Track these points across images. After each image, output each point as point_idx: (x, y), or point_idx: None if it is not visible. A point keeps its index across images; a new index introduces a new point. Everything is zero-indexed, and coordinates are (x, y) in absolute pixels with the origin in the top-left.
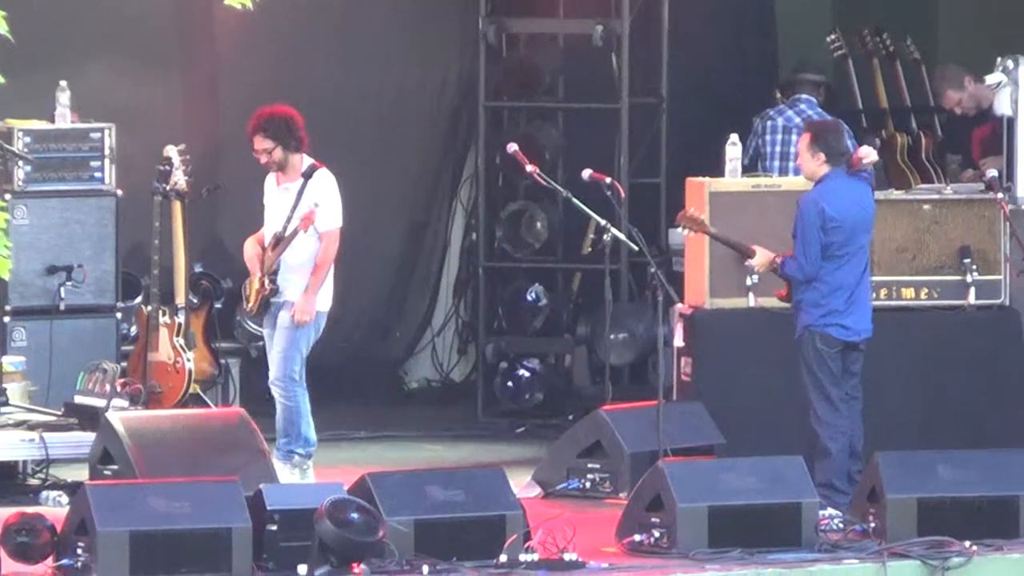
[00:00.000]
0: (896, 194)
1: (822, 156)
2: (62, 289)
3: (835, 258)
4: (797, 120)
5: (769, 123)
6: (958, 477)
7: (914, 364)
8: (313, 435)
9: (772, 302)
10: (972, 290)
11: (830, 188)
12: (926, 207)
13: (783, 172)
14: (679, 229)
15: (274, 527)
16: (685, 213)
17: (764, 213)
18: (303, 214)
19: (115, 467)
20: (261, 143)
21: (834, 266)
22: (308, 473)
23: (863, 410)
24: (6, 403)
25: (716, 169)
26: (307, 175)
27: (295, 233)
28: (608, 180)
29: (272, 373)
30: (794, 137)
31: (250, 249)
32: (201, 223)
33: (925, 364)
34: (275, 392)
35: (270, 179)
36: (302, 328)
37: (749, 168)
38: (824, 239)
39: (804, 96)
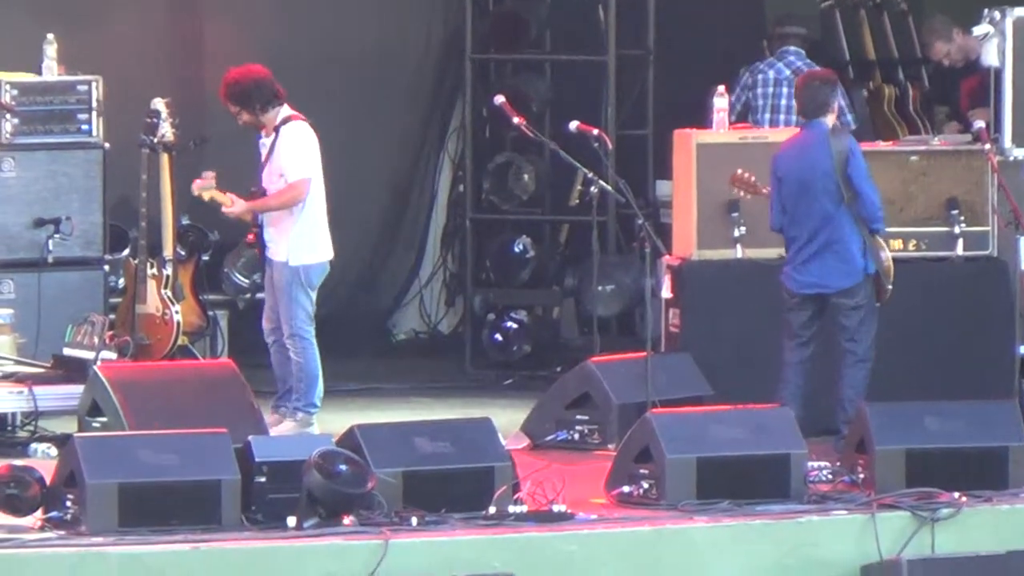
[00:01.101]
0: (884, 146)
1: (796, 107)
2: (50, 242)
3: (789, 212)
4: (787, 72)
5: (760, 76)
6: (946, 428)
7: (902, 315)
8: (316, 397)
9: (759, 253)
10: (960, 241)
11: (788, 143)
12: (914, 159)
13: (774, 124)
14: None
15: (263, 479)
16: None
17: (751, 165)
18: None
19: (104, 419)
20: (230, 108)
21: (788, 219)
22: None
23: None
24: None
25: (703, 121)
26: (277, 129)
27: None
28: (595, 132)
29: (284, 332)
30: (785, 89)
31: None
32: (188, 175)
33: (913, 315)
34: (280, 346)
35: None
36: (292, 284)
37: (739, 121)
38: (779, 191)
39: (792, 48)
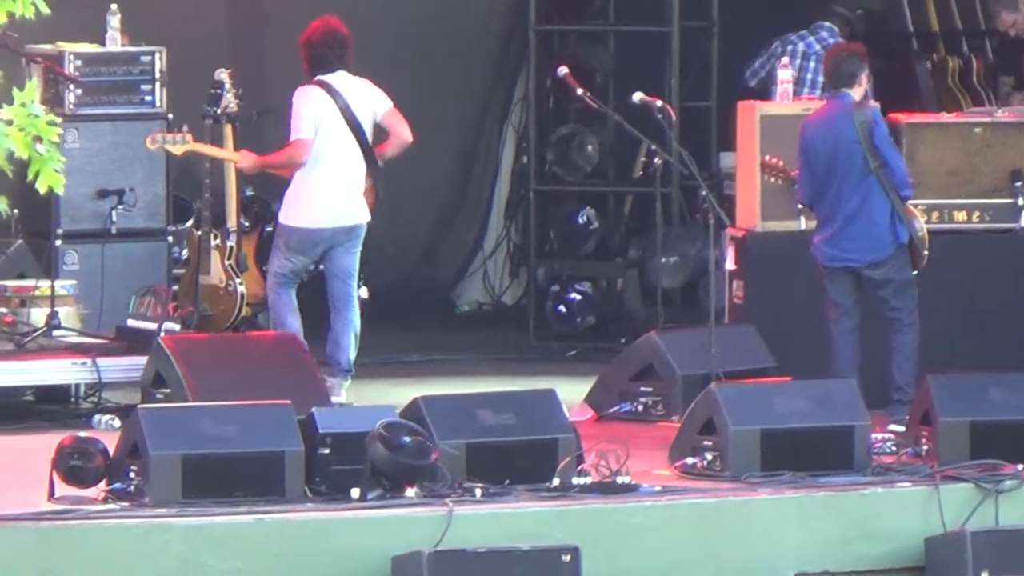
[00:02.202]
0: (947, 117)
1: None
2: (113, 213)
3: (816, 184)
4: (817, 47)
5: (790, 47)
6: (1011, 400)
7: (966, 287)
8: (342, 356)
9: None
10: None
11: (814, 115)
12: (977, 130)
13: (796, 96)
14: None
15: (326, 450)
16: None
17: None
18: None
19: (167, 390)
20: None
21: (817, 192)
22: (331, 390)
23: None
24: (58, 327)
25: (766, 92)
26: None
27: None
28: (659, 103)
29: None
30: (812, 64)
31: None
32: (252, 146)
33: (977, 287)
34: None
35: None
36: (275, 238)
37: (761, 90)
38: (806, 164)
39: (827, 24)
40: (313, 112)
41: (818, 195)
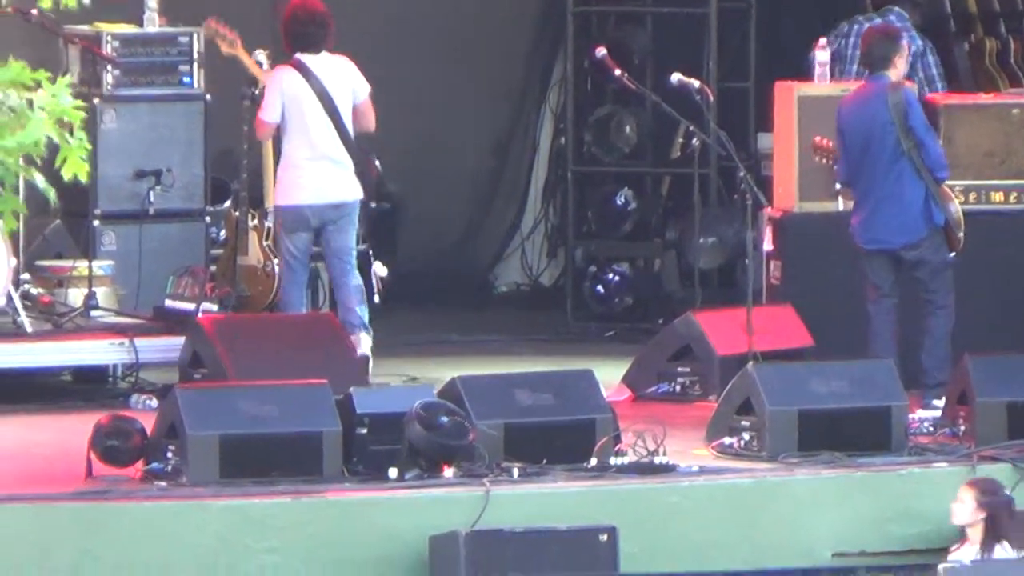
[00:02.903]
0: (985, 98)
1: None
2: (151, 193)
3: (853, 165)
4: None
5: (855, 27)
6: None
7: (1003, 268)
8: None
9: None
10: None
11: (850, 96)
12: (1015, 111)
13: (859, 76)
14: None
15: (364, 430)
16: (816, 141)
17: None
18: None
19: (205, 371)
20: None
21: (853, 173)
22: None
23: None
24: (96, 307)
25: (805, 73)
26: None
27: None
28: (697, 84)
29: None
30: None
31: None
32: None
33: (1014, 268)
34: None
35: None
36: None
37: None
38: (842, 145)
39: (896, 9)
40: (281, 94)
41: (854, 176)
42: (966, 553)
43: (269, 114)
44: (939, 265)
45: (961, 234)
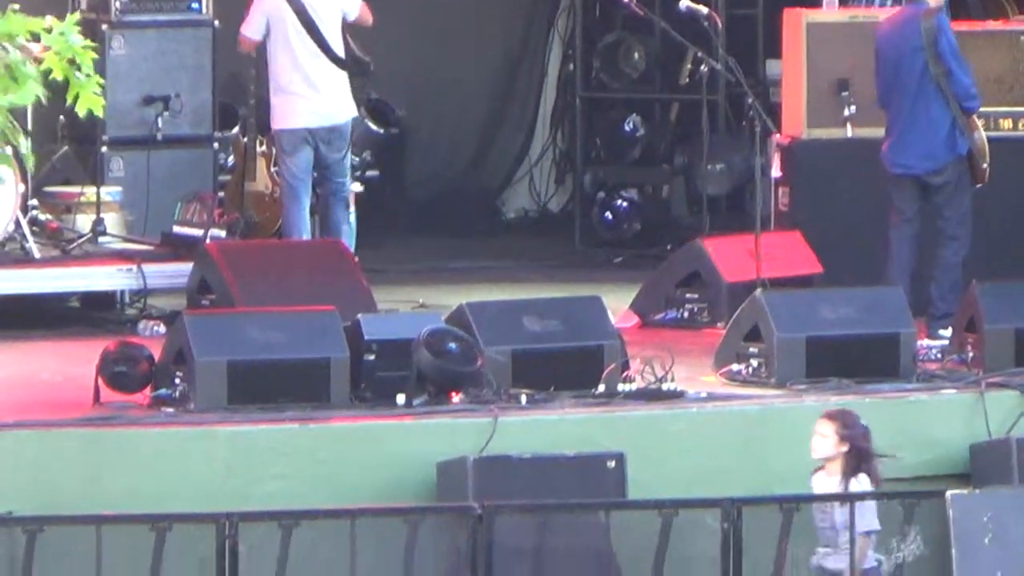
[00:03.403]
0: (993, 25)
1: None
2: (159, 119)
3: (886, 89)
4: None
5: None
6: None
7: (1011, 195)
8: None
9: (869, 132)
10: None
11: (888, 20)
12: (1023, 38)
13: (882, 3)
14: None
15: (372, 357)
16: None
17: (860, 45)
18: None
19: (212, 297)
20: None
21: (887, 96)
22: None
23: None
24: (104, 233)
25: (813, 0)
26: None
27: None
28: (705, 11)
29: None
30: None
31: None
32: None
33: (1016, 193)
34: None
35: None
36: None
37: None
38: (879, 68)
39: None
40: (264, 14)
41: (887, 100)
42: (824, 484)
43: (249, 29)
44: (956, 194)
45: (985, 165)
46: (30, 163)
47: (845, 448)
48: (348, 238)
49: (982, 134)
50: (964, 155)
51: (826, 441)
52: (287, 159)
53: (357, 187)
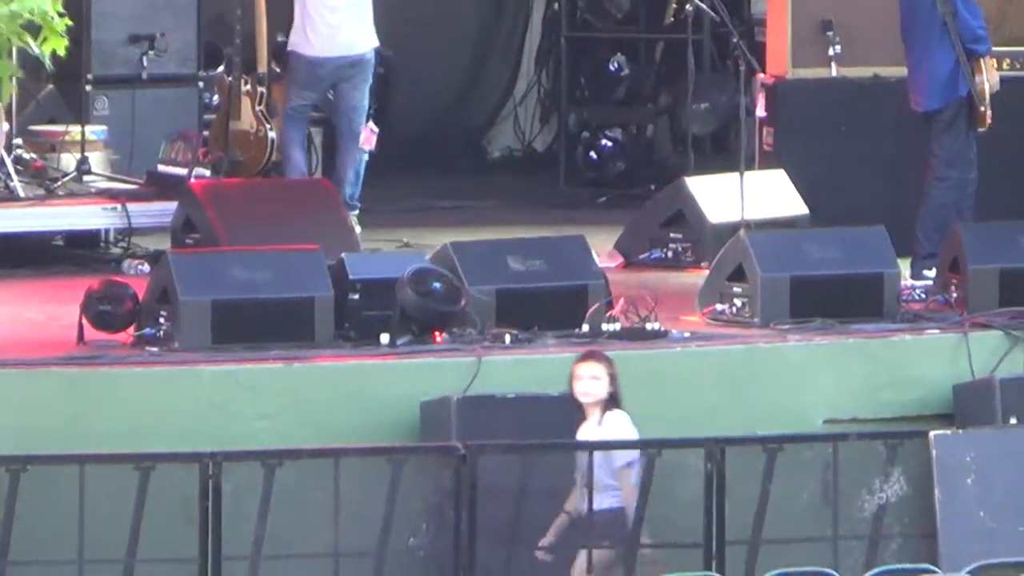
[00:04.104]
0: None
1: None
2: (144, 58)
3: (904, 25)
4: None
5: None
6: None
7: (995, 135)
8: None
9: (854, 72)
10: None
11: None
12: None
13: None
14: None
15: (356, 296)
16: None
17: None
18: None
19: (197, 236)
20: None
21: (904, 33)
22: None
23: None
24: (88, 172)
25: None
26: None
27: None
28: None
29: None
30: None
31: None
32: None
33: (1006, 136)
34: None
35: None
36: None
37: None
38: (900, 5)
39: None
40: None
41: (904, 36)
42: (588, 429)
43: None
44: (948, 134)
45: (983, 108)
46: (47, 59)
47: (613, 387)
48: (352, 185)
49: (987, 78)
50: (964, 97)
51: (600, 383)
52: (298, 92)
53: (373, 127)
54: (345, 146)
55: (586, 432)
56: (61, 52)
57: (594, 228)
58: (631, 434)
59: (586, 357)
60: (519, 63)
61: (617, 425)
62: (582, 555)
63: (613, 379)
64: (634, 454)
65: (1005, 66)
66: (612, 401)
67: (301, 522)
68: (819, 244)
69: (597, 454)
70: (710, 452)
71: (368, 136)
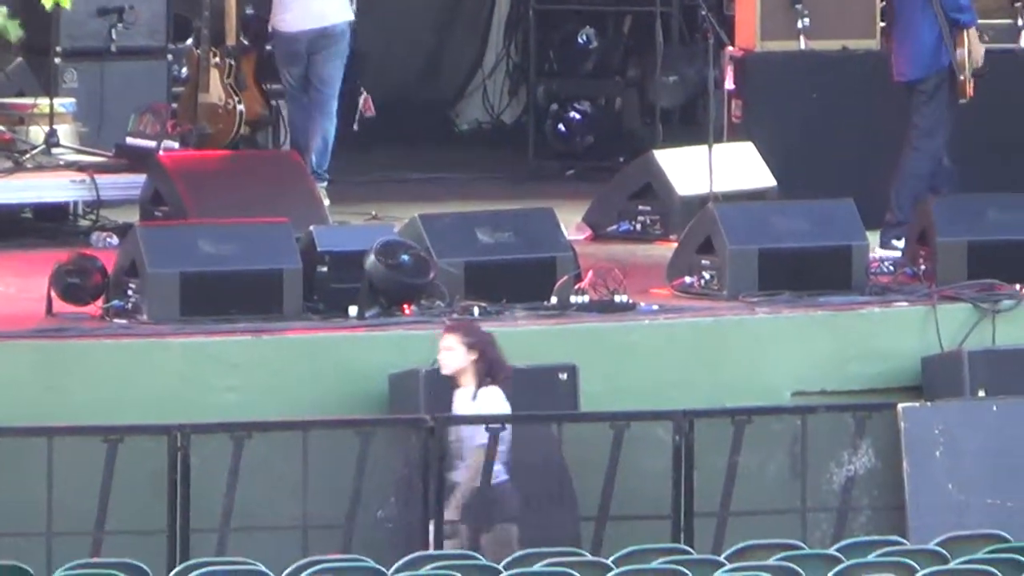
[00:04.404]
0: None
1: None
2: (113, 31)
3: None
4: None
5: None
6: (1008, 220)
7: (967, 107)
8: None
9: (822, 45)
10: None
11: None
12: None
13: None
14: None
15: (325, 269)
16: None
17: None
18: None
19: (166, 208)
20: None
21: (894, 4)
22: None
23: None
24: (57, 144)
25: None
26: None
27: None
28: None
29: None
30: None
31: None
32: None
33: (978, 107)
34: None
35: None
36: None
37: None
38: None
39: None
40: None
41: (893, 5)
42: (461, 399)
43: None
44: (928, 104)
45: (963, 78)
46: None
47: (475, 356)
48: (321, 155)
49: (965, 49)
50: (945, 67)
51: (453, 353)
52: (283, 69)
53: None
54: (312, 116)
55: (460, 404)
56: (66, 4)
57: (563, 201)
58: (501, 411)
59: (445, 329)
60: (487, 36)
61: (488, 401)
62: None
63: (474, 349)
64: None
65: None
66: (489, 374)
67: (270, 494)
68: (788, 216)
69: (466, 429)
70: (678, 424)
71: (367, 103)
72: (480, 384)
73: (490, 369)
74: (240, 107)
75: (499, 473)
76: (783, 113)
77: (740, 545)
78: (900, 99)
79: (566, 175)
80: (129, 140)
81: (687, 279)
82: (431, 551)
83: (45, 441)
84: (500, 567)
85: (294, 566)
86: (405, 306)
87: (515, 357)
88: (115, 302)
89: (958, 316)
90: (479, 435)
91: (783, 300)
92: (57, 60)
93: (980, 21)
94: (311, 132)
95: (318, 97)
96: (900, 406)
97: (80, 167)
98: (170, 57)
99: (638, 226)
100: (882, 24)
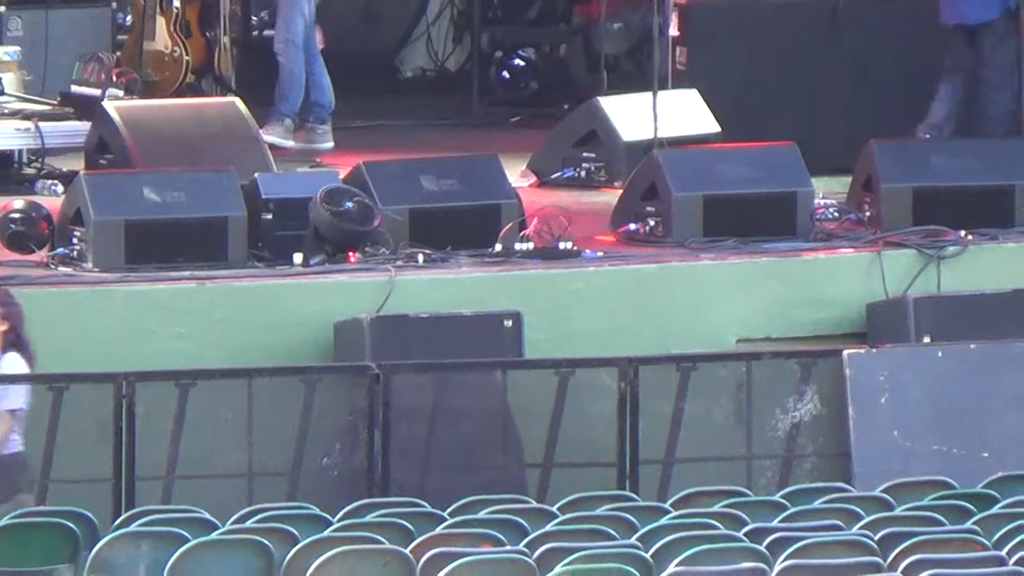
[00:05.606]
0: None
1: None
2: None
3: None
4: None
5: None
6: (953, 166)
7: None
8: (325, 99)
9: None
10: None
11: None
12: None
13: None
14: None
15: (269, 216)
16: None
17: None
18: None
19: (111, 156)
20: None
21: None
22: (322, 137)
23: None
24: (1, 93)
25: None
26: None
27: None
28: None
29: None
30: None
31: None
32: None
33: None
34: (277, 55)
35: None
36: None
37: None
38: None
39: None
40: None
41: None
42: None
43: None
44: (999, 42)
45: None
46: None
47: (6, 327)
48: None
49: None
50: (1014, 9)
51: None
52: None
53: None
54: (314, 54)
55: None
56: None
57: (507, 148)
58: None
59: None
60: None
61: (7, 368)
62: None
63: (6, 317)
64: (19, 402)
65: None
66: (13, 338)
67: (215, 442)
68: (732, 162)
69: None
70: (623, 371)
71: (321, 37)
72: (5, 351)
73: (16, 339)
74: (187, 56)
75: (14, 443)
76: (728, 60)
77: (685, 492)
78: (844, 44)
79: (511, 122)
80: (74, 88)
81: (632, 226)
82: (377, 498)
83: None
84: (445, 514)
85: (239, 513)
86: (350, 253)
87: (459, 304)
88: (60, 250)
89: (903, 262)
90: (5, 398)
91: (728, 246)
92: (1, 8)
93: None
94: (321, 71)
95: (312, 33)
96: (845, 352)
97: (25, 115)
98: (114, 4)
99: (583, 173)
100: None
